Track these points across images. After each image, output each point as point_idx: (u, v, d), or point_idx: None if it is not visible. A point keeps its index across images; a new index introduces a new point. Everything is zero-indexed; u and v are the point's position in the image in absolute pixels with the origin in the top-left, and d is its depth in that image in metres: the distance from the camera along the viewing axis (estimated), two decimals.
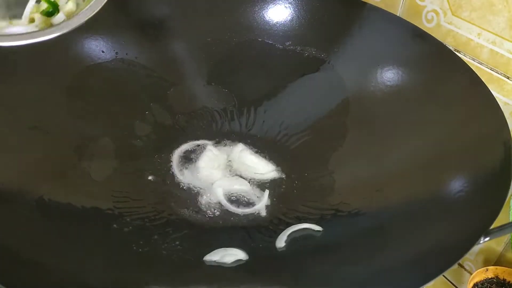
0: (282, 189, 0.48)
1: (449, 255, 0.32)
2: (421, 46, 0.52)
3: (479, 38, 0.52)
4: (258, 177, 0.49)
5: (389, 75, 0.52)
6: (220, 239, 0.42)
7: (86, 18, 0.39)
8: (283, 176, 0.49)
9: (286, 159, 0.51)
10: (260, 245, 0.42)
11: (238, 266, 0.38)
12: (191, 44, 0.58)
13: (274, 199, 0.47)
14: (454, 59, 0.49)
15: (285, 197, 0.47)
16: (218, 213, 0.45)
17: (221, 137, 0.53)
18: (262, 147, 0.52)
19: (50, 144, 0.45)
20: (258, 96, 0.57)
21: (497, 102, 0.43)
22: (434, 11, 0.56)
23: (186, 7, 0.58)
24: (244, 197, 0.47)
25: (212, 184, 0.47)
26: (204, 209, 0.45)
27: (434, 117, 0.47)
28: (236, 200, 0.46)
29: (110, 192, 0.45)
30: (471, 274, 0.61)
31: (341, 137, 0.52)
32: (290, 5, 0.58)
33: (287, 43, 0.58)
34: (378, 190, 0.45)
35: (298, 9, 0.58)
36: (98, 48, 0.53)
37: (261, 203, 0.46)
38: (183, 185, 0.47)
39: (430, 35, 0.52)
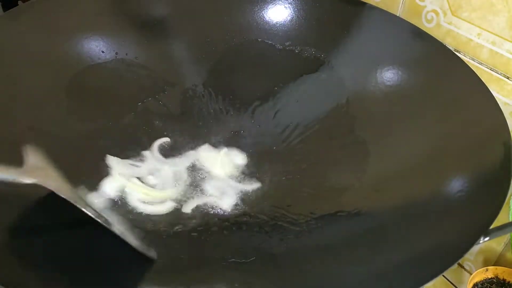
0: (280, 190, 0.48)
1: (449, 255, 0.32)
2: (421, 46, 0.52)
3: (479, 38, 0.52)
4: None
5: (389, 75, 0.52)
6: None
7: None
8: (281, 176, 0.49)
9: (284, 159, 0.51)
10: (259, 245, 0.42)
11: (237, 266, 0.38)
12: (191, 44, 0.58)
13: (272, 200, 0.47)
14: (454, 59, 0.49)
15: (283, 198, 0.47)
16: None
17: (219, 137, 0.53)
18: (260, 147, 0.52)
19: (50, 144, 0.45)
20: (257, 96, 0.57)
21: (497, 102, 0.43)
22: (434, 11, 0.56)
23: (185, 7, 0.58)
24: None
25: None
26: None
27: (434, 117, 0.47)
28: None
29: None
30: (471, 274, 0.61)
31: (340, 137, 0.52)
32: (290, 5, 0.59)
33: (287, 43, 0.58)
34: (378, 190, 0.45)
35: (298, 9, 0.58)
36: (98, 48, 0.53)
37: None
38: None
39: (430, 35, 0.52)
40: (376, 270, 0.35)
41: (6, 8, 0.80)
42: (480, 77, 0.46)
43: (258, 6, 0.59)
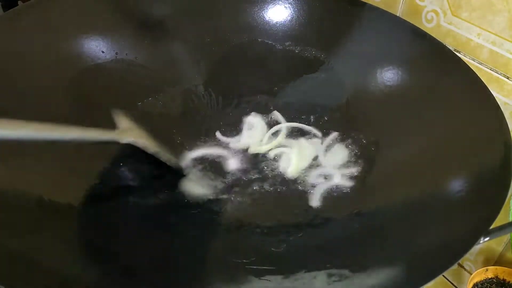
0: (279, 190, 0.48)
1: (449, 255, 0.32)
2: (421, 46, 0.52)
3: (479, 38, 0.52)
4: None
5: (389, 75, 0.52)
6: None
7: None
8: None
9: None
10: (259, 245, 0.42)
11: (237, 266, 0.38)
12: (191, 44, 0.58)
13: (272, 200, 0.47)
14: (454, 59, 0.49)
15: (282, 198, 0.47)
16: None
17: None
18: None
19: (50, 144, 0.45)
20: (257, 97, 0.57)
21: (497, 102, 0.43)
22: (434, 11, 0.56)
23: (185, 7, 0.58)
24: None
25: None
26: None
27: (434, 117, 0.47)
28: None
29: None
30: (471, 274, 0.61)
31: (340, 137, 0.52)
32: (290, 5, 0.59)
33: (287, 43, 0.58)
34: (378, 190, 0.45)
35: (298, 9, 0.58)
36: (98, 48, 0.53)
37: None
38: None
39: (430, 35, 0.52)
40: (376, 270, 0.35)
41: (6, 8, 0.80)
42: (480, 77, 0.46)
43: (258, 6, 0.59)
